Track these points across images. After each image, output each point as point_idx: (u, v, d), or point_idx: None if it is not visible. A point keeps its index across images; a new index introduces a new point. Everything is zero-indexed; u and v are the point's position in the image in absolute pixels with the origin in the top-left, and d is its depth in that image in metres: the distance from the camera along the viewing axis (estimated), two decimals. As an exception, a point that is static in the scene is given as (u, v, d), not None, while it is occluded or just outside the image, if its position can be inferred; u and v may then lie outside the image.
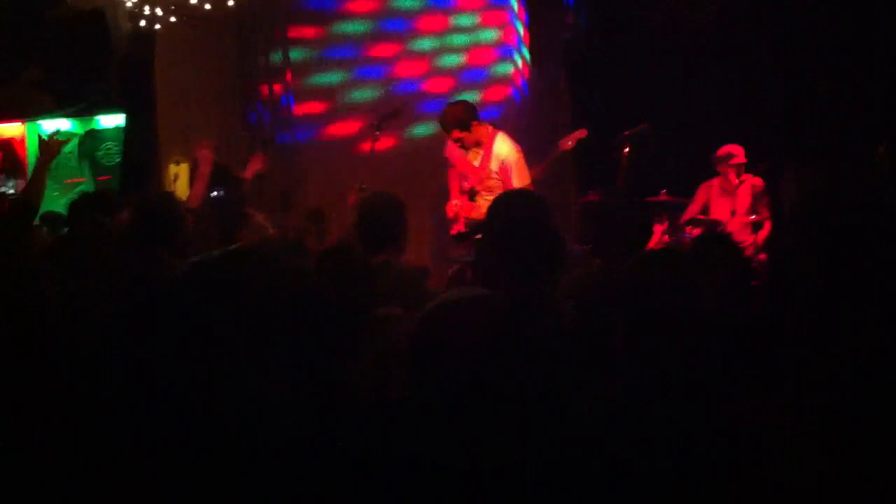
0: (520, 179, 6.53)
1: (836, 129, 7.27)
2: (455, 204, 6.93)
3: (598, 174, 8.21)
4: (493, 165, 6.64)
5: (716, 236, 5.56)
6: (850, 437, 2.51)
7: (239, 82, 8.86)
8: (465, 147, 6.71)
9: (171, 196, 5.46)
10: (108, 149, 9.32)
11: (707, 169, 8.11)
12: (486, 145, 6.67)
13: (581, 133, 7.52)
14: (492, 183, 6.65)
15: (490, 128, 6.75)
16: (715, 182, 8.12)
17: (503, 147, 6.63)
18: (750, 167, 7.93)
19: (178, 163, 8.57)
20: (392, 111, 7.87)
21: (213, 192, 6.06)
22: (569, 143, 7.60)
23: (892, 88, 7.17)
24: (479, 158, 6.73)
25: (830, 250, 3.16)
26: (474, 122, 6.63)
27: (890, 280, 2.90)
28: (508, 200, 3.99)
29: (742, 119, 8.13)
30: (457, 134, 6.61)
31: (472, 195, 6.85)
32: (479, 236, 6.02)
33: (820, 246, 3.26)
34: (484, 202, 6.51)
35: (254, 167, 6.71)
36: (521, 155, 6.64)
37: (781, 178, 4.65)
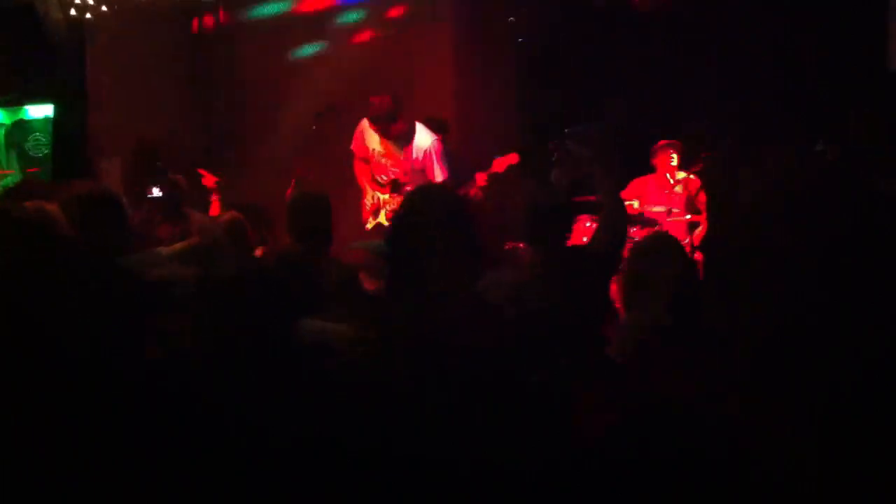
0: (441, 169, 6.73)
1: (784, 123, 7.38)
2: (376, 196, 6.94)
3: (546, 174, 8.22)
4: (415, 155, 6.79)
5: (662, 237, 5.64)
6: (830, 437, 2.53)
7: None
8: (388, 139, 6.81)
9: (110, 190, 5.31)
10: (37, 140, 9.07)
11: (644, 168, 8.18)
12: (407, 137, 6.80)
13: (512, 158, 7.49)
14: (415, 175, 6.80)
15: (406, 119, 6.85)
16: (649, 179, 8.18)
17: (424, 137, 6.78)
18: (684, 166, 8.01)
19: (108, 157, 8.42)
20: (326, 107, 7.88)
21: (152, 191, 5.94)
22: (500, 166, 7.58)
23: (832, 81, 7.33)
24: (398, 149, 6.84)
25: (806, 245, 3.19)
26: (401, 115, 6.73)
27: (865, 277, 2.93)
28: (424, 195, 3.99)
29: (685, 116, 8.20)
30: (387, 124, 6.70)
31: (395, 187, 6.93)
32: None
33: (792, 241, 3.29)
34: None
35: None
36: (441, 143, 6.81)
37: (733, 174, 4.70)
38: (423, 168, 6.76)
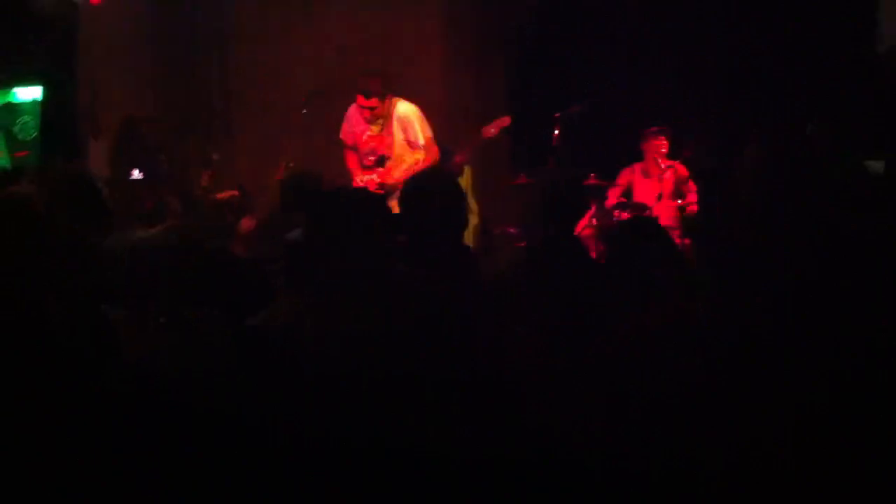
0: (423, 132, 6.81)
1: (776, 108, 7.39)
2: (361, 180, 6.95)
3: (530, 156, 8.22)
4: (396, 129, 6.83)
5: (643, 221, 5.63)
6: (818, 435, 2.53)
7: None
8: (368, 119, 6.84)
9: (86, 170, 5.30)
10: (25, 122, 9.00)
11: (637, 153, 8.18)
12: (386, 115, 6.83)
13: (504, 121, 7.52)
14: (397, 147, 6.86)
15: (389, 96, 6.85)
16: (637, 167, 8.20)
17: (401, 108, 6.83)
18: (674, 154, 8.02)
19: (96, 136, 8.38)
20: (313, 91, 7.88)
21: (132, 173, 5.92)
22: (491, 130, 7.58)
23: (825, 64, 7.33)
24: (381, 127, 6.85)
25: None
26: (389, 93, 6.77)
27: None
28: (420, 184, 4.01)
29: (674, 99, 8.20)
30: (374, 102, 6.71)
31: (380, 162, 6.94)
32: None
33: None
34: (394, 166, 6.83)
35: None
36: (420, 109, 6.86)
37: (737, 158, 4.69)
38: (406, 137, 6.82)
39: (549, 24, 8.65)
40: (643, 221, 5.36)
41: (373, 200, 3.37)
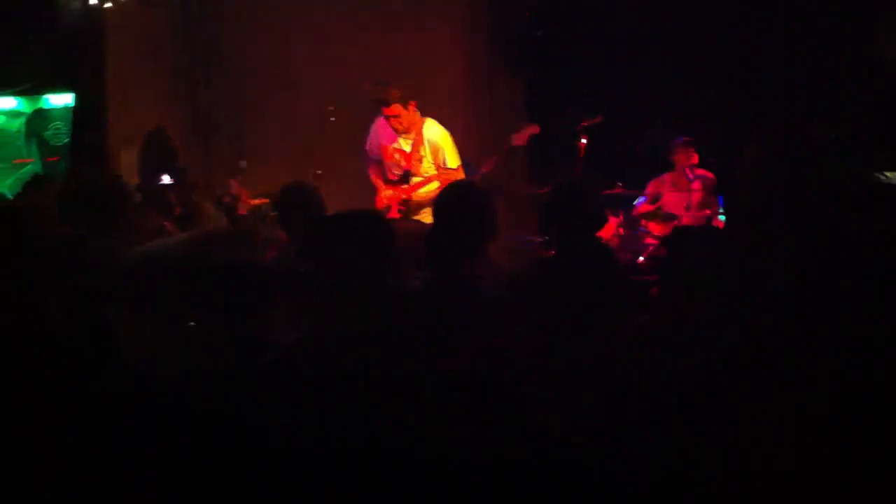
0: (453, 159, 6.72)
1: (776, 108, 7.33)
2: (385, 195, 6.92)
3: (554, 166, 8.18)
4: (425, 150, 6.76)
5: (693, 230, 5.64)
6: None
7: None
8: (397, 129, 6.78)
9: (115, 176, 5.32)
10: (57, 128, 9.13)
11: (662, 162, 8.13)
12: (416, 131, 6.76)
13: (533, 129, 7.48)
14: (425, 166, 6.77)
15: (419, 114, 6.80)
16: (667, 177, 8.18)
17: (433, 131, 6.76)
18: (702, 161, 7.98)
19: (127, 145, 8.45)
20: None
21: (160, 179, 5.94)
22: (521, 138, 7.55)
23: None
24: (410, 143, 6.80)
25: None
26: (413, 103, 6.72)
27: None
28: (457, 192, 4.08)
29: (696, 108, 8.15)
30: (397, 109, 6.66)
31: (405, 178, 6.90)
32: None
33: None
34: (419, 184, 6.79)
35: None
36: (451, 137, 6.78)
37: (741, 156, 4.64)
38: (435, 162, 6.75)
39: (559, 29, 8.65)
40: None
41: (371, 223, 3.39)
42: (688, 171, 7.98)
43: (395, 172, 6.91)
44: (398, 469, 2.40)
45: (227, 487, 2.45)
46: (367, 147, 7.05)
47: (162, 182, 5.75)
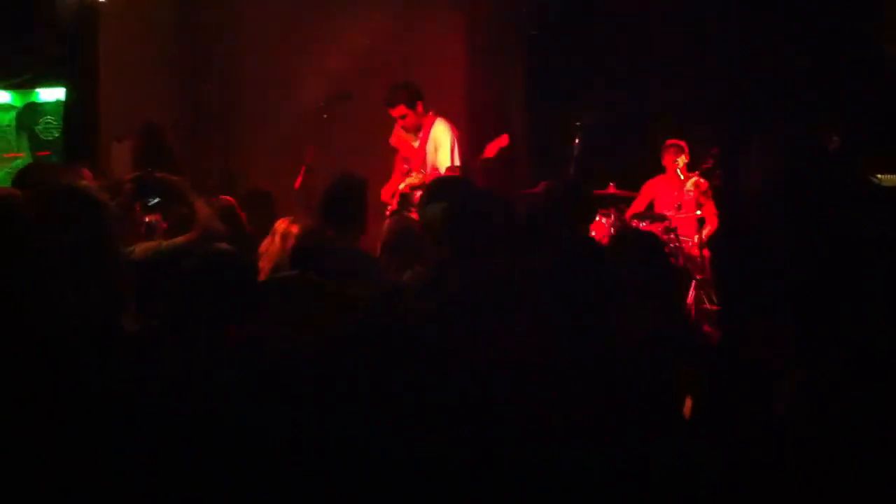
0: (443, 161, 6.72)
1: (790, 116, 7.34)
2: (400, 187, 6.95)
3: (549, 165, 8.19)
4: (430, 148, 6.80)
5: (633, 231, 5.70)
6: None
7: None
8: (406, 128, 6.83)
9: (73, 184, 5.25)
10: (48, 123, 9.07)
11: (656, 164, 8.16)
12: (425, 129, 6.81)
13: (502, 141, 7.45)
14: (430, 166, 6.82)
15: (431, 113, 6.84)
16: (660, 179, 8.22)
17: (438, 129, 6.79)
18: (694, 166, 8.01)
19: (119, 140, 8.41)
20: (339, 93, 7.84)
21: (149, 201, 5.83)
22: (491, 150, 7.52)
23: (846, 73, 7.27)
24: (419, 141, 6.86)
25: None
26: (420, 103, 6.74)
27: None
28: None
29: (693, 110, 8.16)
30: (403, 110, 6.68)
31: (409, 175, 6.94)
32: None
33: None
34: (419, 181, 6.78)
35: None
36: (457, 138, 6.80)
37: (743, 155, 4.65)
38: (434, 159, 6.78)
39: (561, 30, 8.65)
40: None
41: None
42: (679, 172, 8.03)
43: (405, 167, 6.97)
44: (398, 469, 2.40)
45: (226, 487, 2.45)
46: (391, 141, 7.11)
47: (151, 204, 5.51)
